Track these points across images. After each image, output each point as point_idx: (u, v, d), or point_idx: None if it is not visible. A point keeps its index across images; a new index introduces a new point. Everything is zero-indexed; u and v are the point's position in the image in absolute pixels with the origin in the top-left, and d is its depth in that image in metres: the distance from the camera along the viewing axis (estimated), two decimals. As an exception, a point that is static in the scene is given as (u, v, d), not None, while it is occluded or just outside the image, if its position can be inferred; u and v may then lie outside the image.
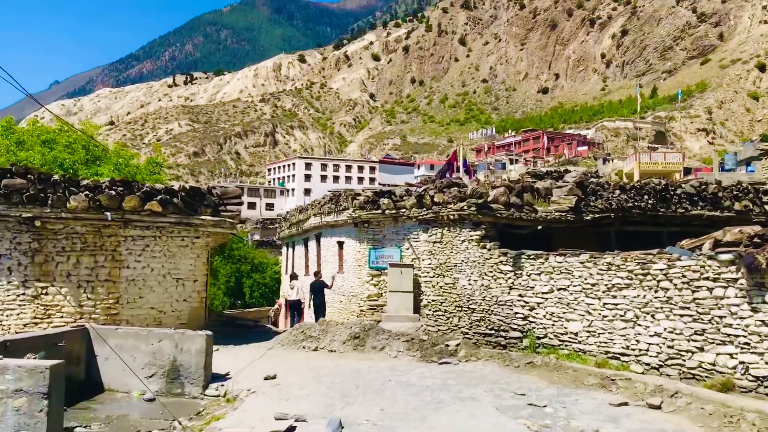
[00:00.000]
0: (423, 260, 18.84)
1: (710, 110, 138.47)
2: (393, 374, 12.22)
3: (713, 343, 11.08)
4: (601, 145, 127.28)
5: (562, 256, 14.42)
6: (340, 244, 23.74)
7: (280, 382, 11.55)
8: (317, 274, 23.05)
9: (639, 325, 12.51)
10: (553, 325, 14.44)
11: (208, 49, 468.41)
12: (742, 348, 10.64)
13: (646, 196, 18.04)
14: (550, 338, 14.48)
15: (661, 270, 12.18)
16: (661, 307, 12.07)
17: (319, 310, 22.01)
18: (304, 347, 15.77)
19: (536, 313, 14.85)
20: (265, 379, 11.81)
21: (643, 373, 12.17)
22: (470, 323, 16.61)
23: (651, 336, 12.21)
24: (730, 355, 10.78)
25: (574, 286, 14.04)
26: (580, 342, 13.80)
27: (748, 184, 19.86)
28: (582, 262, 13.94)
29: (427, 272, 18.53)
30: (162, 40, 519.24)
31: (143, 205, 15.54)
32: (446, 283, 17.67)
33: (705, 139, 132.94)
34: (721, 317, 10.98)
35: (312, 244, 27.96)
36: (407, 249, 20.56)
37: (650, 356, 12.17)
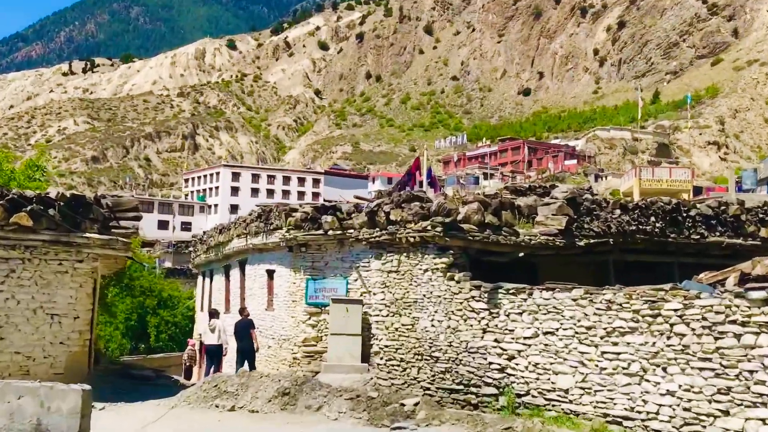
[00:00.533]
0: (375, 294, 18.19)
1: (722, 120, 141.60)
2: (331, 444, 11.49)
3: (742, 405, 10.65)
4: (592, 159, 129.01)
5: (549, 291, 13.93)
6: (270, 273, 22.94)
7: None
8: (242, 311, 22.12)
9: (647, 380, 12.05)
10: (537, 379, 13.91)
11: (114, 30, 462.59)
12: (778, 412, 10.23)
13: (652, 218, 17.78)
14: (533, 396, 13.94)
15: (675, 311, 11.76)
16: (675, 358, 11.63)
17: (245, 357, 21.01)
18: (217, 406, 14.90)
19: (516, 364, 14.30)
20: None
21: (651, 442, 11.70)
22: (432, 376, 15.98)
23: (662, 395, 11.75)
24: (764, 420, 10.36)
25: (565, 329, 13.56)
26: (571, 401, 13.28)
27: (777, 206, 19.83)
28: (575, 300, 13.47)
29: (380, 310, 17.87)
30: (56, 18, 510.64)
31: (8, 218, 14.55)
32: (403, 325, 17.03)
33: (716, 154, 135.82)
34: (752, 372, 10.56)
35: (235, 272, 27.06)
36: (355, 280, 19.87)
37: (661, 421, 11.70)
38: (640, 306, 12.31)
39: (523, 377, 14.16)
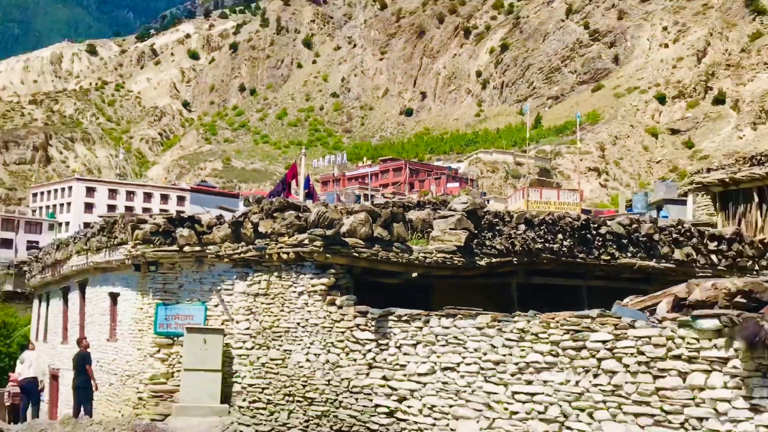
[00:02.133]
0: (238, 323, 15.94)
1: (603, 146, 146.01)
2: None
3: (690, 460, 9.08)
4: (475, 182, 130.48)
5: (449, 317, 12.12)
6: (114, 297, 20.27)
7: None
8: (80, 341, 19.27)
9: (568, 428, 10.36)
10: (433, 425, 12.03)
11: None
12: (736, 470, 8.67)
13: (560, 236, 16.36)
14: (428, 446, 12.03)
15: (603, 342, 10.13)
16: (604, 401, 10.00)
17: (80, 396, 18.26)
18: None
19: (408, 407, 12.39)
20: None
21: (577, 508, 9.98)
22: (306, 421, 13.86)
23: (588, 446, 10.08)
24: (716, 479, 8.79)
25: (468, 364, 11.78)
26: (475, 453, 11.45)
27: (691, 226, 18.84)
28: (480, 328, 11.71)
29: (244, 342, 15.60)
30: None
31: None
32: (272, 359, 14.81)
33: (596, 180, 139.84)
34: (701, 419, 9.00)
35: (74, 296, 24.11)
36: (216, 306, 17.67)
37: (587, 479, 10.00)
38: (560, 336, 10.64)
39: (416, 422, 12.26)
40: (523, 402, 10.93)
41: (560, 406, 10.48)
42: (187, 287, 17.91)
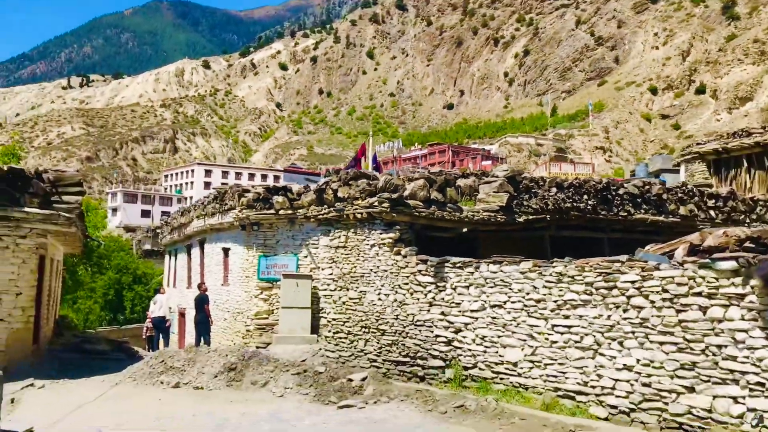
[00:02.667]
0: (323, 270, 15.34)
1: (607, 129, 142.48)
2: (273, 428, 8.61)
3: (709, 381, 8.15)
4: (504, 160, 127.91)
5: (497, 264, 11.28)
6: (226, 251, 19.93)
7: (104, 446, 7.71)
8: (200, 286, 19.12)
9: (601, 354, 9.50)
10: (484, 352, 11.26)
11: (107, 52, 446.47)
12: (751, 389, 7.73)
13: (585, 196, 15.29)
14: (480, 369, 11.29)
15: (632, 282, 9.21)
16: (633, 332, 9.10)
17: (200, 329, 18.20)
18: (162, 382, 11.87)
19: (463, 337, 11.63)
20: (83, 440, 7.94)
21: (607, 418, 9.14)
22: (379, 348, 13.22)
23: (618, 370, 9.21)
24: (735, 398, 7.87)
25: (513, 302, 10.94)
26: (520, 375, 10.67)
27: (693, 187, 17.56)
28: (523, 273, 10.85)
29: (328, 284, 15.03)
30: (58, 41, 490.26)
31: (-64, 190, 11.24)
32: (351, 298, 14.23)
33: (602, 156, 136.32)
34: (720, 347, 8.07)
35: (195, 251, 23.89)
36: (305, 257, 17.12)
37: (618, 396, 9.15)
38: (593, 278, 9.74)
39: (470, 350, 11.50)
40: (562, 333, 10.10)
41: (594, 336, 9.62)
42: (282, 242, 17.45)
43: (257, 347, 17.27)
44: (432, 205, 13.47)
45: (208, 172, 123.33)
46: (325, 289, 14.97)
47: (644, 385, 8.81)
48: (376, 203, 13.32)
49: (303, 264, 17.08)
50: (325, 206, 14.91)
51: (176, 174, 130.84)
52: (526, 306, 10.70)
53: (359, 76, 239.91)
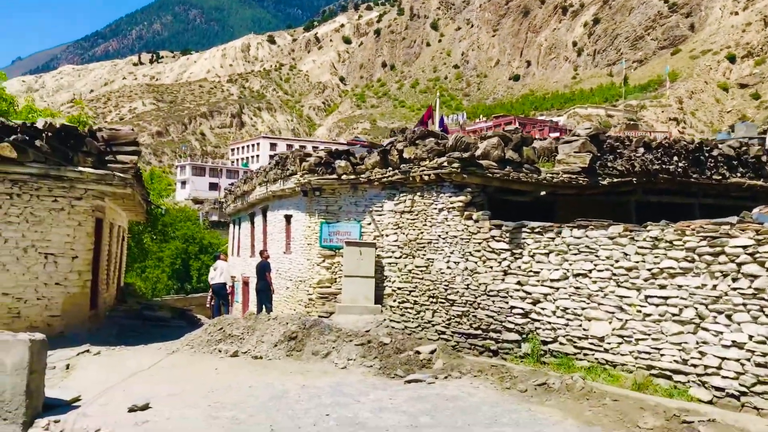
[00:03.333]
0: (388, 236, 14.48)
1: (681, 100, 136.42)
2: (335, 402, 7.81)
3: (842, 363, 6.91)
4: (572, 132, 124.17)
5: (581, 228, 10.14)
6: (288, 218, 19.37)
7: (151, 418, 7.06)
8: (262, 253, 18.61)
9: (704, 329, 8.30)
10: (566, 325, 10.19)
11: (176, 29, 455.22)
12: None
13: (675, 158, 13.88)
14: (561, 343, 10.23)
15: (744, 248, 7.94)
16: (744, 304, 7.86)
17: (261, 297, 17.72)
18: (219, 351, 11.28)
19: (542, 308, 10.58)
20: (131, 411, 7.32)
21: (712, 402, 7.97)
22: (448, 320, 12.30)
23: (726, 347, 8.01)
24: None
25: (600, 271, 9.80)
26: (607, 350, 9.57)
27: (798, 148, 15.84)
28: (612, 238, 9.68)
29: (392, 252, 14.16)
30: (129, 19, 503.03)
31: (-12, 148, 10.83)
32: (417, 266, 13.31)
33: (676, 128, 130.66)
34: None
35: (258, 219, 23.49)
36: (368, 224, 16.41)
37: (725, 377, 7.96)
38: (696, 243, 8.49)
39: (549, 323, 10.44)
40: (657, 305, 8.92)
41: (696, 308, 8.42)
42: (345, 209, 16.75)
43: (319, 316, 16.65)
44: (506, 166, 12.36)
45: (273, 146, 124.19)
46: (390, 257, 14.09)
47: (758, 365, 7.60)
48: (445, 164, 12.30)
49: (366, 231, 16.37)
50: (390, 168, 13.99)
51: (242, 147, 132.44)
52: (615, 275, 9.56)
53: (423, 48, 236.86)
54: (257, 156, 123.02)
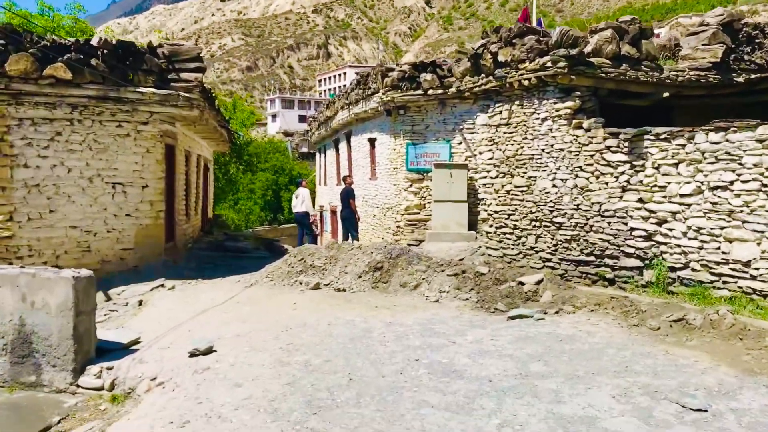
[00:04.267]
0: (482, 154, 12.92)
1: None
2: (426, 344, 6.58)
3: None
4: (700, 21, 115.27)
5: (720, 131, 8.26)
6: (372, 141, 18.07)
7: (213, 365, 6.07)
8: (345, 179, 17.40)
9: None
10: (700, 248, 8.46)
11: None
12: None
13: (830, 47, 11.40)
14: (694, 269, 8.54)
15: None
16: None
17: (346, 226, 16.71)
18: (300, 283, 10.29)
19: (669, 229, 8.87)
20: (192, 355, 6.37)
21: None
22: (554, 245, 10.76)
23: None
24: None
25: (744, 182, 7.97)
26: (754, 277, 7.84)
27: None
28: (762, 141, 7.79)
29: (488, 171, 12.59)
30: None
31: (41, 70, 9.96)
32: (516, 186, 11.71)
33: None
34: None
35: (342, 146, 22.36)
36: (459, 143, 14.96)
37: None
38: None
39: (678, 246, 8.74)
40: (826, 221, 7.10)
41: None
42: (433, 128, 15.27)
43: (408, 245, 15.50)
44: (622, 63, 10.39)
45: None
46: (485, 177, 12.52)
47: None
48: (548, 64, 10.48)
49: (456, 152, 14.97)
50: (483, 76, 12.28)
51: (329, 78, 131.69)
52: (765, 186, 7.72)
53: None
54: (344, 86, 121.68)
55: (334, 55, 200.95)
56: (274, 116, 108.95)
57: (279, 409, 4.86)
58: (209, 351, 6.45)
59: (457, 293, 9.17)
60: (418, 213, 15.36)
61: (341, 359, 6.13)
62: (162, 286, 10.43)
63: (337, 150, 23.28)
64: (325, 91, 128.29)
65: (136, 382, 6.11)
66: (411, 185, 15.39)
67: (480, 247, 13.28)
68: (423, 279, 9.63)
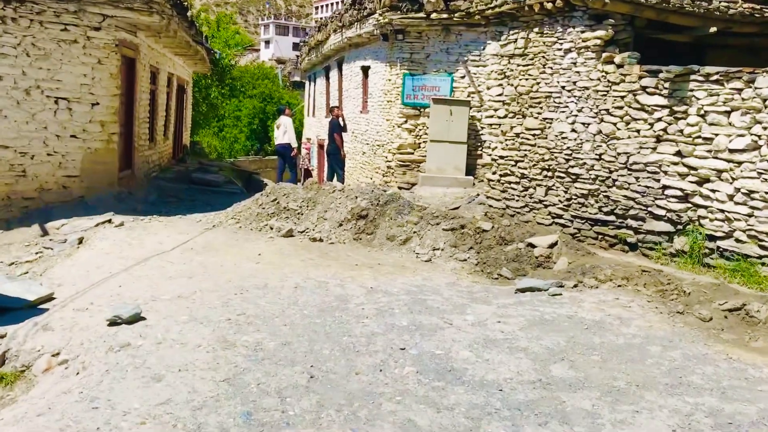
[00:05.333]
0: (489, 89, 11.23)
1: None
2: (415, 324, 5.11)
3: None
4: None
5: (791, 74, 6.66)
6: (365, 70, 16.33)
7: (134, 340, 4.58)
8: (332, 110, 15.63)
9: None
10: (750, 215, 6.97)
11: None
12: None
13: None
14: (739, 240, 7.07)
15: None
16: None
17: (331, 163, 15.04)
18: (271, 228, 8.77)
19: (712, 190, 7.36)
20: (111, 324, 4.87)
21: None
22: (568, 200, 9.24)
23: None
24: None
25: (815, 138, 6.42)
26: (818, 257, 6.39)
27: None
28: None
29: (495, 110, 10.92)
30: None
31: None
32: (528, 129, 10.06)
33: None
34: None
35: (333, 74, 20.52)
36: (462, 77, 13.36)
37: None
38: None
39: (722, 211, 7.24)
40: None
41: None
42: (434, 57, 13.58)
43: (399, 188, 13.97)
44: (666, -11, 8.66)
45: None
46: (491, 117, 10.83)
47: None
48: (577, -17, 8.72)
49: (458, 87, 13.40)
50: (497, -3, 10.45)
51: (326, 5, 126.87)
52: None
53: None
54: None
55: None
56: (267, 42, 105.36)
57: (203, 426, 3.39)
58: (135, 319, 4.95)
59: (453, 252, 7.69)
60: (412, 153, 13.80)
61: (304, 342, 4.66)
62: (109, 222, 8.87)
63: (328, 79, 21.42)
64: (321, 18, 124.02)
65: (34, 357, 4.62)
66: (406, 121, 13.79)
67: (479, 195, 11.80)
68: (414, 233, 8.13)
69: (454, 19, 12.86)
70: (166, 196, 11.17)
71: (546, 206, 9.48)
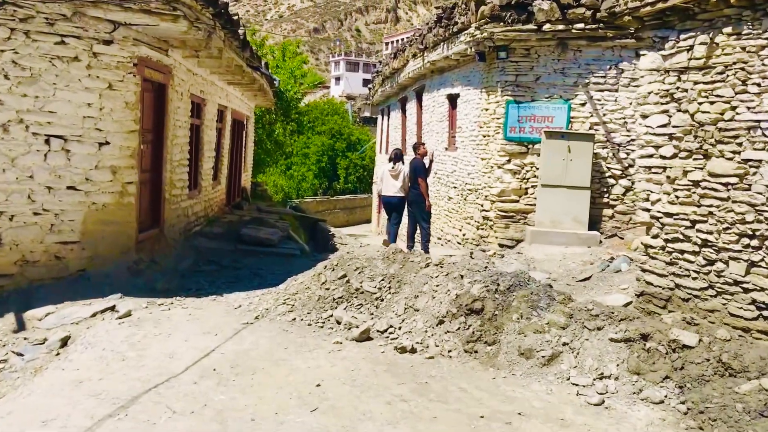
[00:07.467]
0: (646, 118, 8.05)
1: None
2: None
3: None
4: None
5: None
6: (452, 99, 13.51)
7: None
8: (417, 147, 11.94)
9: None
10: None
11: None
12: None
13: None
14: None
15: None
16: None
17: (412, 214, 11.31)
18: (337, 323, 5.89)
19: None
20: None
21: None
22: (788, 284, 5.95)
23: None
24: None
25: None
26: None
27: None
28: None
29: (654, 146, 7.54)
30: None
31: None
32: (715, 175, 6.63)
33: None
34: None
35: (411, 105, 17.80)
36: (583, 105, 10.37)
37: None
38: None
39: None
40: None
41: None
42: (545, 80, 10.69)
43: (500, 245, 10.94)
44: None
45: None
46: (650, 156, 7.52)
47: None
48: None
49: (578, 117, 10.49)
50: (652, -10, 7.34)
51: (396, 41, 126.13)
52: None
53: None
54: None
55: (403, 19, 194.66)
56: (337, 79, 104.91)
57: None
58: None
59: (635, 383, 4.59)
60: (517, 201, 10.78)
61: None
62: (112, 309, 6.19)
63: (404, 111, 18.70)
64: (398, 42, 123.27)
65: None
66: (509, 161, 10.84)
67: (614, 258, 8.67)
68: (564, 344, 5.07)
69: (573, 30, 9.93)
70: (203, 263, 8.45)
71: (747, 291, 6.20)
